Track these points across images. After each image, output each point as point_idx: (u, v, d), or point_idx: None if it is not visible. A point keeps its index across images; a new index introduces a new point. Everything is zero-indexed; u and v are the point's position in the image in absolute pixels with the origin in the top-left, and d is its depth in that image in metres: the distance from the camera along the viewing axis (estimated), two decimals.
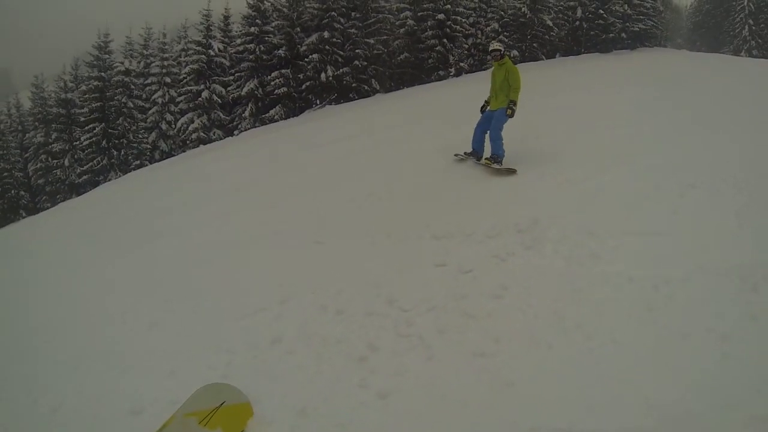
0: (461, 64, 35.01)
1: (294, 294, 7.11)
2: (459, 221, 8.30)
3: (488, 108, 10.39)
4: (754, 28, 51.28)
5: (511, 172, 9.82)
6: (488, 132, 10.27)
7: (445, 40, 34.78)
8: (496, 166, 10.02)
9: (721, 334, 4.68)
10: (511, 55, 34.44)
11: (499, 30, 35.76)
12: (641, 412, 3.99)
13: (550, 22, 36.27)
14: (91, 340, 7.45)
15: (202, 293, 8.07)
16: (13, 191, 43.66)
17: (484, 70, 33.98)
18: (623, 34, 37.82)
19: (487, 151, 10.57)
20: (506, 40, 35.18)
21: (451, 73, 34.90)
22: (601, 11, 36.91)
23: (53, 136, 40.36)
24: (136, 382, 5.84)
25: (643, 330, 4.95)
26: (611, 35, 37.42)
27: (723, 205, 7.28)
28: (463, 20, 35.93)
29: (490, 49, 10.24)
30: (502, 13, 36.88)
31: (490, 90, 10.44)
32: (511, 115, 9.73)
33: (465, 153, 11.13)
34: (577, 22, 37.89)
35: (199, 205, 15.08)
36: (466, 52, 35.82)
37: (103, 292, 9.55)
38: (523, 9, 36.06)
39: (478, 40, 35.71)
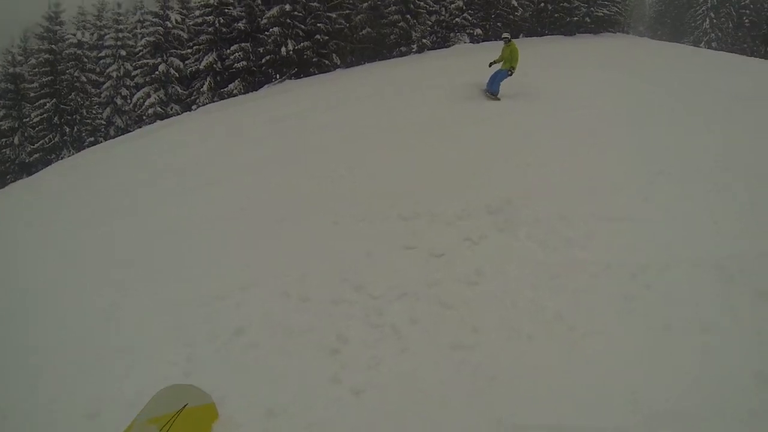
0: (424, 40, 34.56)
1: (255, 279, 6.77)
2: (427, 201, 8.05)
3: (496, 67, 14.97)
4: (714, 21, 52.01)
5: (497, 99, 14.51)
6: (492, 79, 14.80)
7: (408, 16, 34.25)
8: (492, 97, 14.67)
9: (701, 325, 4.61)
10: (474, 33, 34.35)
11: (464, 8, 35.36)
12: (628, 408, 3.89)
13: (515, 2, 36.01)
14: (44, 334, 6.94)
15: (159, 278, 7.69)
16: None
17: (447, 47, 33.74)
18: (587, 18, 37.89)
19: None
20: (470, 18, 34.90)
21: (413, 50, 34.47)
22: None
23: (1, 113, 38.65)
24: (92, 381, 5.46)
25: (624, 320, 4.84)
26: (575, 19, 37.42)
27: (693, 192, 7.22)
28: None
29: (503, 36, 15.93)
30: None
31: (499, 58, 15.09)
32: (511, 74, 14.59)
33: (483, 89, 15.28)
34: (542, 4, 37.77)
35: (156, 183, 14.41)
36: (429, 28, 35.36)
37: (57, 279, 8.94)
38: None
39: (442, 17, 35.30)
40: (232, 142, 17.27)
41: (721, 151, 8.53)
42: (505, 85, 14.98)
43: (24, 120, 37.52)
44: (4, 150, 38.05)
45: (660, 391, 3.99)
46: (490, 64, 15.16)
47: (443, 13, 35.76)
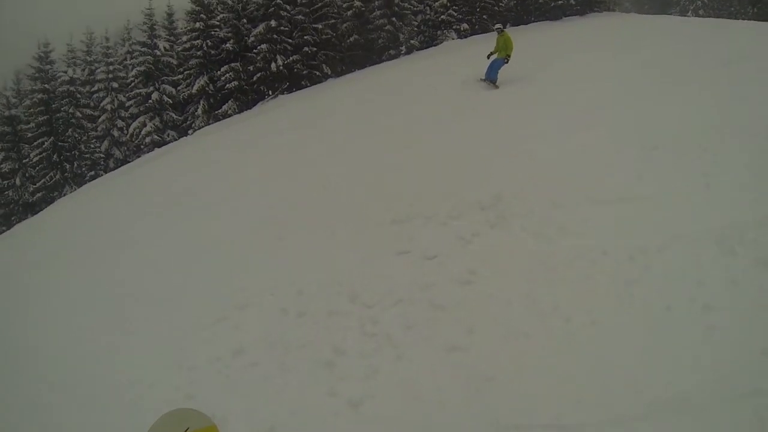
0: (412, 41, 34.55)
1: (253, 298, 6.78)
2: (420, 202, 7.96)
3: (493, 57, 15.28)
4: None
5: (496, 87, 14.94)
6: (490, 68, 15.21)
7: (393, 19, 34.19)
8: (491, 85, 15.10)
9: (703, 303, 4.43)
10: (461, 28, 34.26)
11: (448, 4, 35.25)
12: (630, 399, 3.73)
13: None
14: (54, 370, 6.99)
15: (160, 307, 7.68)
16: None
17: (435, 45, 33.68)
18: (572, 1, 37.58)
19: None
20: (455, 14, 34.83)
21: (402, 52, 34.42)
22: None
23: (0, 156, 38.91)
24: (98, 414, 5.47)
25: (623, 306, 4.68)
26: (560, 2, 37.14)
27: (688, 166, 6.98)
28: None
29: (495, 26, 16.81)
30: None
31: (494, 48, 15.30)
32: (507, 62, 14.94)
33: (480, 79, 15.65)
34: None
35: (154, 213, 14.34)
36: (415, 29, 35.35)
37: (64, 315, 8.92)
38: None
39: (427, 16, 35.28)
40: (229, 164, 17.18)
41: (716, 120, 8.25)
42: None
43: (24, 161, 37.69)
44: (6, 192, 38.20)
45: (662, 377, 3.83)
46: (488, 56, 15.59)
47: (428, 12, 35.73)
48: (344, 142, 13.89)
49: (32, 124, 36.44)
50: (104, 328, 7.73)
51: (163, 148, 31.37)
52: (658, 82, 11.04)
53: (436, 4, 35.36)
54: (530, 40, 21.27)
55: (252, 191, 12.29)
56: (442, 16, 35.15)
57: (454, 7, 35.43)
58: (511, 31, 17.20)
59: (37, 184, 36.56)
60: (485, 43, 26.36)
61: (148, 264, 10.08)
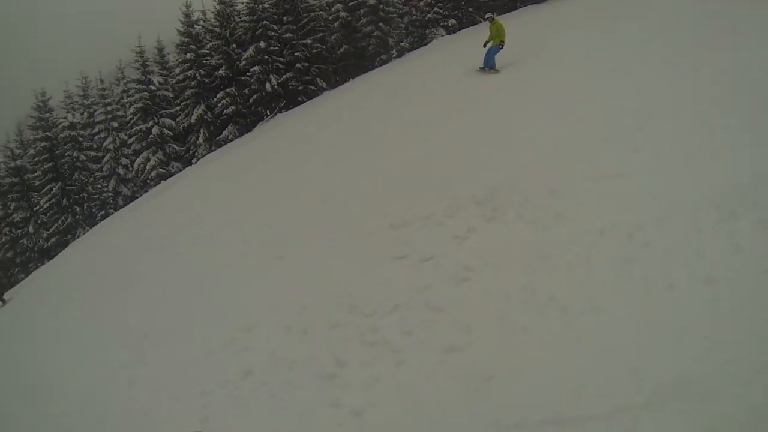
0: (401, 44, 34.58)
1: (259, 319, 6.90)
2: (416, 206, 7.86)
3: (489, 45, 15.57)
4: None
5: (496, 72, 15.29)
6: (487, 56, 15.61)
7: (381, 24, 34.18)
8: (491, 71, 15.46)
9: (706, 275, 4.23)
10: (449, 24, 34.23)
11: (432, 2, 35.27)
12: (632, 387, 3.54)
13: None
14: (75, 407, 7.47)
15: (171, 337, 7.97)
16: None
17: (425, 44, 33.64)
18: None
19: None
20: (441, 11, 34.83)
21: (394, 56, 34.45)
22: None
23: (12, 207, 39.39)
24: None
25: (622, 288, 4.49)
26: None
27: (684, 132, 6.79)
28: (395, 0, 35.50)
29: (486, 16, 16.93)
30: None
31: (489, 37, 15.66)
32: (502, 47, 15.31)
33: (479, 68, 16.05)
34: None
35: (161, 246, 14.70)
36: (404, 31, 35.39)
37: (82, 354, 9.51)
38: None
39: (414, 17, 35.30)
40: (230, 190, 17.39)
41: (711, 85, 7.98)
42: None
43: (35, 208, 38.21)
44: (21, 240, 38.71)
45: (665, 360, 3.64)
46: (485, 45, 15.86)
47: (414, 12, 35.76)
48: (341, 153, 13.93)
49: (39, 172, 37.00)
50: (121, 363, 8.09)
51: (169, 180, 31.61)
52: (651, 54, 10.83)
53: (422, 3, 35.39)
54: (520, 25, 21.05)
55: (253, 214, 12.41)
56: (428, 15, 35.15)
57: (439, 4, 35.40)
58: (501, 19, 17.16)
59: (51, 230, 37.04)
60: (475, 36, 26.30)
61: (156, 297, 10.43)
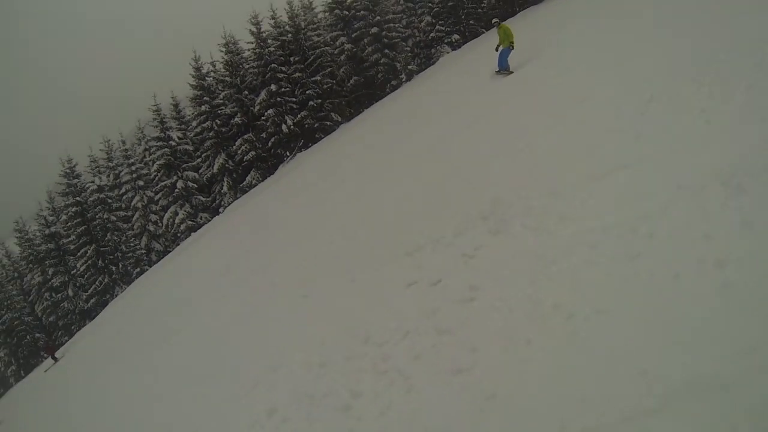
0: (409, 67, 34.90)
1: (284, 358, 7.11)
2: (428, 228, 7.92)
3: (500, 48, 16.35)
4: None
5: (510, 73, 15.86)
6: (500, 58, 16.36)
7: (386, 51, 34.64)
8: (505, 73, 16.07)
9: (715, 260, 3.94)
10: (452, 40, 34.42)
11: (434, 21, 35.64)
12: (640, 392, 3.29)
13: None
14: None
15: (204, 383, 8.49)
16: (28, 336, 44.07)
17: (432, 64, 33.91)
18: None
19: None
20: (443, 28, 35.13)
21: (403, 80, 34.79)
22: None
23: (50, 272, 40.50)
24: None
25: (627, 286, 4.25)
26: None
27: (686, 109, 6.53)
28: (397, 25, 35.88)
29: (493, 22, 17.45)
30: (431, 4, 36.77)
31: (499, 41, 16.42)
32: (513, 48, 16.03)
33: (495, 72, 16.75)
34: None
35: (195, 298, 15.31)
36: (410, 54, 35.75)
37: (125, 406, 10.70)
38: None
39: (418, 38, 35.66)
40: (256, 236, 18.02)
41: (711, 59, 7.62)
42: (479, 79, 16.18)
43: (72, 272, 39.29)
44: (62, 304, 39.71)
45: (674, 359, 3.38)
46: (496, 48, 16.73)
47: (417, 34, 36.13)
48: (358, 186, 14.43)
49: (72, 236, 38.20)
50: (158, 412, 8.90)
51: (198, 232, 32.15)
52: (655, 38, 10.75)
53: (422, 24, 35.76)
54: (521, 27, 21.17)
55: (279, 257, 12.93)
56: (431, 34, 35.53)
57: (440, 22, 35.75)
58: (505, 23, 17.58)
59: (89, 291, 37.99)
60: (481, 47, 26.53)
61: (191, 348, 11.10)
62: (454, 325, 5.25)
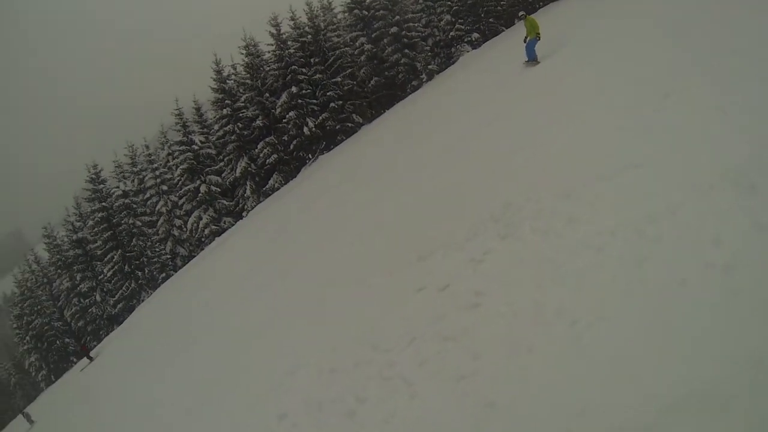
0: (429, 66, 34.67)
1: (299, 362, 7.27)
2: (442, 234, 7.82)
3: (527, 39, 16.57)
4: None
5: (537, 63, 15.95)
6: (527, 50, 16.50)
7: (406, 50, 34.51)
8: (533, 63, 16.11)
9: (723, 265, 3.78)
10: (473, 39, 34.20)
11: (453, 20, 35.38)
12: (641, 404, 3.20)
13: None
14: None
15: (221, 388, 8.79)
16: (57, 342, 44.96)
17: (453, 63, 33.64)
18: None
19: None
20: (463, 27, 34.85)
21: (424, 79, 34.59)
22: None
23: (78, 278, 41.13)
24: None
25: (632, 291, 4.12)
26: None
27: (702, 105, 6.36)
28: (416, 24, 35.72)
29: (519, 14, 18.34)
30: (450, 3, 36.51)
31: (526, 33, 16.73)
32: (539, 39, 16.18)
33: (523, 63, 16.80)
34: None
35: (217, 304, 15.56)
36: (429, 53, 35.52)
37: (148, 409, 11.07)
38: None
39: (438, 37, 35.40)
40: (277, 242, 18.10)
41: (730, 57, 7.36)
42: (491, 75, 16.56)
43: (99, 277, 39.87)
44: (90, 309, 40.31)
45: (677, 369, 3.26)
46: (524, 40, 17.07)
47: (437, 33, 35.89)
48: (377, 190, 14.39)
49: (99, 242, 38.77)
50: (178, 416, 9.03)
51: (222, 236, 32.28)
52: (672, 37, 10.46)
53: (442, 23, 35.51)
54: (547, 21, 20.92)
55: (299, 263, 12.99)
56: (451, 33, 35.26)
57: (460, 21, 35.47)
58: (520, 27, 17.85)
59: (116, 296, 38.53)
60: (501, 45, 26.42)
61: (212, 353, 11.35)
62: (458, 331, 5.24)
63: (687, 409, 3.02)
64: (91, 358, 28.76)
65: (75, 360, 41.09)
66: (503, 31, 34.88)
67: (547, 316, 4.50)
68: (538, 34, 16.29)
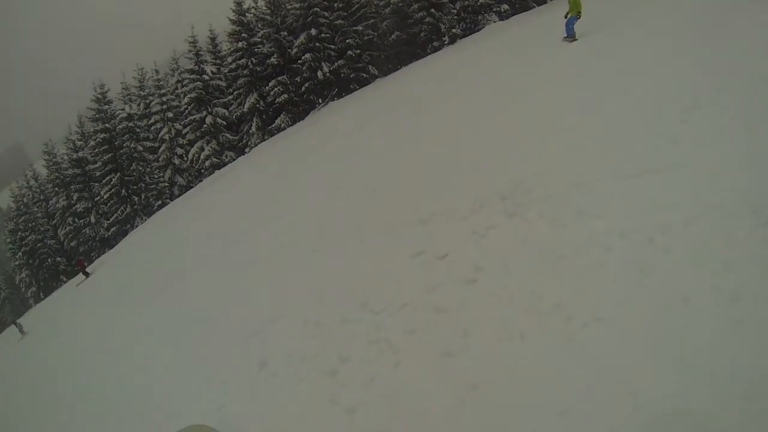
0: (453, 30, 33.91)
1: (284, 311, 7.24)
2: (447, 200, 7.70)
3: (568, 16, 16.29)
4: None
5: (575, 40, 15.85)
6: (567, 26, 16.39)
7: (432, 10, 33.71)
8: (571, 40, 16.06)
9: (730, 292, 3.66)
10: (502, 9, 33.59)
11: None
12: (626, 413, 3.18)
13: None
14: (119, 391, 8.54)
15: (206, 326, 8.68)
16: (49, 260, 44.97)
17: (477, 31, 32.96)
18: None
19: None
20: None
21: (446, 42, 33.89)
22: None
23: (75, 197, 40.95)
24: (147, 428, 6.55)
25: (632, 298, 4.04)
26: None
27: (730, 123, 6.00)
28: None
29: None
30: None
31: (568, 9, 16.26)
32: (579, 17, 16.03)
33: (563, 38, 16.70)
34: None
35: (212, 236, 15.49)
36: (455, 17, 34.73)
37: (132, 343, 10.75)
38: None
39: (467, 2, 34.48)
40: (280, 182, 17.89)
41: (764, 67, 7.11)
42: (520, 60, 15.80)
43: (95, 199, 39.71)
44: (84, 230, 40.22)
45: (668, 387, 3.22)
46: (565, 16, 16.84)
47: None
48: (387, 145, 14.05)
49: (99, 163, 38.40)
50: (162, 352, 8.95)
51: (222, 169, 32.11)
52: (711, 41, 10.07)
53: None
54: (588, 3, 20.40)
55: (299, 205, 12.89)
56: (481, 0, 34.42)
57: None
58: (557, 4, 17.55)
59: (111, 219, 38.43)
60: (529, 21, 25.81)
61: (202, 287, 11.21)
62: (452, 304, 5.18)
63: (673, 427, 3.00)
64: (87, 274, 28.93)
65: (65, 279, 41.18)
66: (534, 7, 34.04)
67: (543, 308, 4.44)
68: (580, 12, 16.14)
